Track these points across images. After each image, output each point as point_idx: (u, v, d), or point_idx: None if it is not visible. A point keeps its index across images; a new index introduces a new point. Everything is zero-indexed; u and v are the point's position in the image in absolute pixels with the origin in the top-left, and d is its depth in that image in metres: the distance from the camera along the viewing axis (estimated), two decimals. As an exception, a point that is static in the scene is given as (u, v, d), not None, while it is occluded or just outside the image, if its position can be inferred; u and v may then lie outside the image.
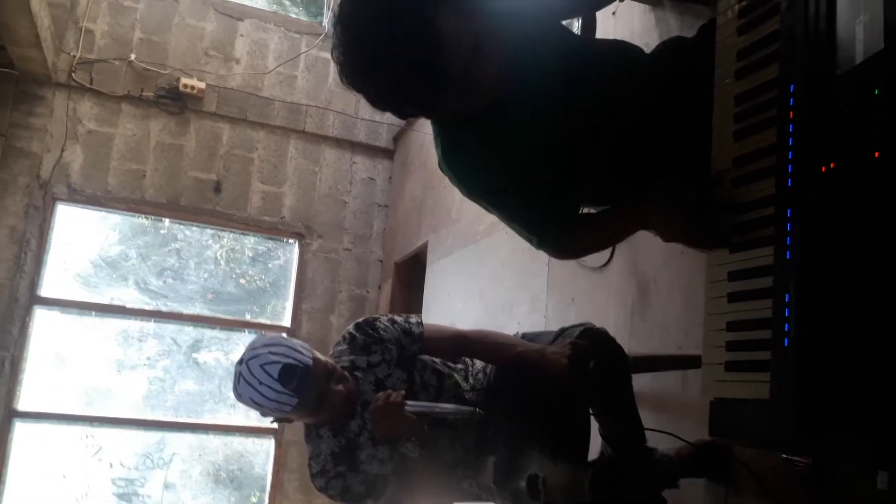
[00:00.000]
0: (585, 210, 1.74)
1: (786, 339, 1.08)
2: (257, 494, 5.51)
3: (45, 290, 5.20)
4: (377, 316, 2.05)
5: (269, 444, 5.54)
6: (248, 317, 5.69)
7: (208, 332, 5.62)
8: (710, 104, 1.32)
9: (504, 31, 1.40)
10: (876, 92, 0.95)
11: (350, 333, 2.00)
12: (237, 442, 5.57)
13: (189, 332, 5.58)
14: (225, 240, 5.76)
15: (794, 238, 1.09)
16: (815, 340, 1.04)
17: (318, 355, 1.85)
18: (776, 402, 1.08)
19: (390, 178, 6.05)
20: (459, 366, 2.10)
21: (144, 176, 5.35)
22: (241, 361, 1.80)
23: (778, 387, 1.09)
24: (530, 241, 1.58)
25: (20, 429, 5.03)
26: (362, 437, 1.89)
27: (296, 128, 5.76)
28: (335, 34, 1.29)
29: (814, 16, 1.09)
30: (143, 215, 5.51)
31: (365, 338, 1.98)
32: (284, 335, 1.92)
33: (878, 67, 0.95)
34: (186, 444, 5.48)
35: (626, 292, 2.81)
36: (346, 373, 1.91)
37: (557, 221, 1.50)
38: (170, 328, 5.54)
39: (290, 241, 5.83)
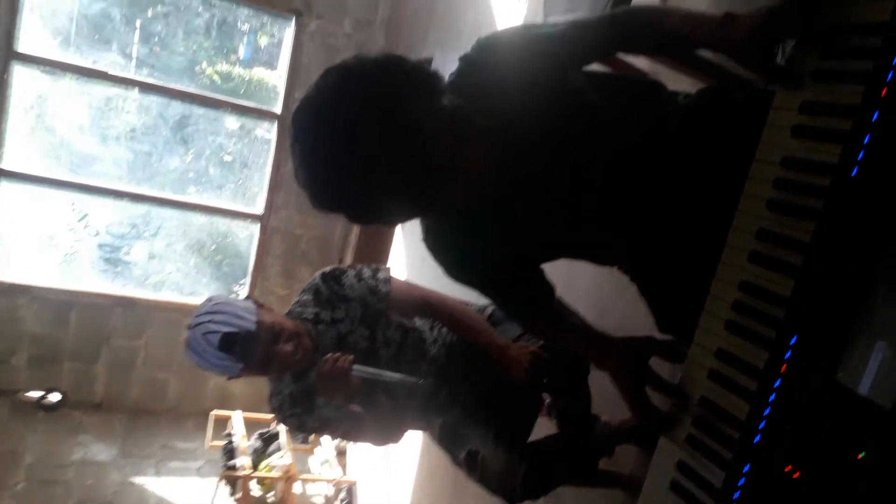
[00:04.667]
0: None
1: None
2: (243, 280, 5.70)
3: (23, 46, 4.87)
4: (344, 269, 2.00)
5: (254, 229, 5.60)
6: (238, 99, 5.43)
7: (196, 110, 5.39)
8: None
9: (492, 110, 1.17)
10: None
11: (316, 285, 1.97)
12: (222, 223, 5.63)
13: (176, 108, 5.34)
14: (216, 9, 5.27)
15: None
16: None
17: (266, 317, 1.81)
18: None
19: (405, -45, 5.40)
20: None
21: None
22: (188, 326, 1.79)
23: None
24: None
25: (5, 188, 5.03)
26: None
27: None
28: (294, 153, 1.13)
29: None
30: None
31: (330, 293, 1.95)
32: (234, 298, 1.93)
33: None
34: (172, 219, 5.53)
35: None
36: (301, 328, 1.88)
37: (529, 312, 1.43)
38: (155, 101, 5.30)
39: (287, 15, 5.35)
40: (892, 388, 0.81)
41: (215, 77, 5.44)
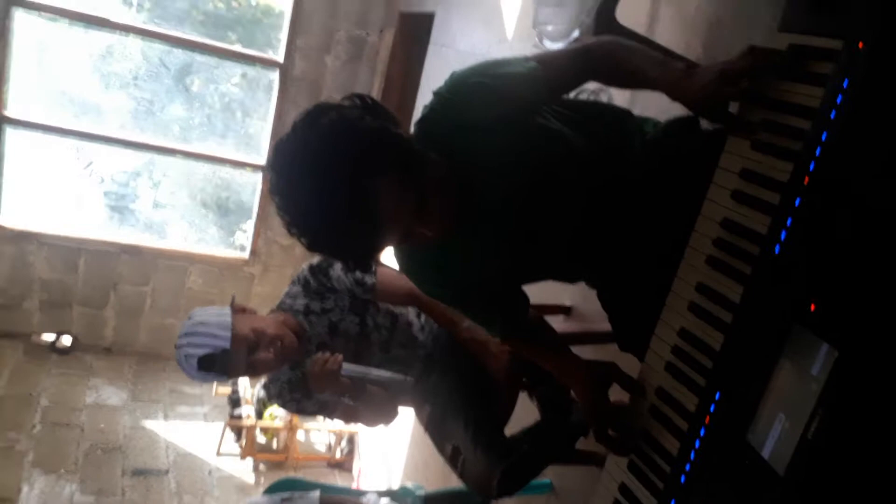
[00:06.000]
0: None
1: None
2: (245, 224, 5.78)
3: (23, -9, 4.86)
4: (331, 262, 2.04)
5: (256, 178, 5.66)
6: (238, 46, 5.39)
7: (198, 58, 5.37)
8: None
9: (462, 146, 1.23)
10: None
11: (304, 277, 2.03)
12: (225, 171, 5.68)
13: (178, 56, 5.33)
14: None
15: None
16: None
17: (242, 327, 1.85)
18: None
19: None
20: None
21: None
22: (175, 346, 1.86)
23: None
24: None
25: (11, 136, 5.08)
26: None
27: None
28: (272, 178, 1.14)
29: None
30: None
31: (318, 285, 2.02)
32: (211, 313, 1.95)
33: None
34: (176, 167, 5.59)
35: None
36: (282, 328, 1.93)
37: (499, 329, 1.47)
38: (157, 48, 5.28)
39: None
40: (786, 457, 0.88)
41: (220, 5, 5.38)
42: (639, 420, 1.21)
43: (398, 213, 1.13)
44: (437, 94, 1.26)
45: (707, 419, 1.04)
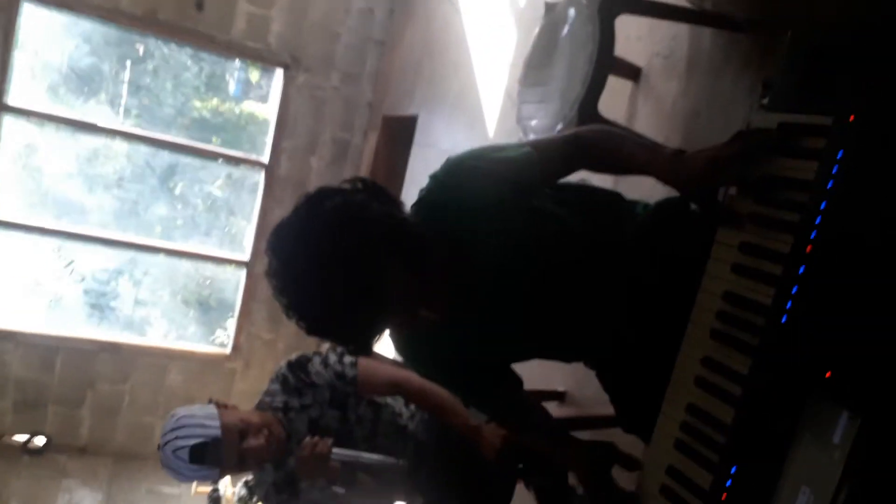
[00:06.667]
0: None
1: None
2: (226, 323, 5.76)
3: (13, 99, 4.97)
4: (310, 357, 2.01)
5: (240, 274, 5.67)
6: (224, 148, 5.53)
7: (183, 160, 5.48)
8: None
9: (458, 228, 1.25)
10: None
11: (283, 375, 1.99)
12: (208, 268, 5.70)
13: (163, 157, 5.44)
14: (205, 63, 5.40)
15: None
16: None
17: (228, 418, 1.82)
18: None
19: (392, 10, 5.56)
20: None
21: (120, -16, 4.89)
22: (158, 447, 1.81)
23: None
24: None
25: (-8, 236, 5.09)
26: None
27: (290, -56, 5.18)
28: (270, 262, 1.15)
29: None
30: (116, 25, 5.10)
31: (297, 381, 1.97)
32: (195, 408, 1.93)
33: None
34: (158, 265, 5.60)
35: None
36: (269, 418, 1.91)
37: (491, 410, 1.50)
38: (143, 151, 5.40)
39: (276, 68, 5.48)
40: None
41: (205, 113, 5.53)
42: (648, 499, 1.20)
43: (403, 299, 1.14)
44: (433, 178, 1.28)
45: (724, 496, 1.04)
